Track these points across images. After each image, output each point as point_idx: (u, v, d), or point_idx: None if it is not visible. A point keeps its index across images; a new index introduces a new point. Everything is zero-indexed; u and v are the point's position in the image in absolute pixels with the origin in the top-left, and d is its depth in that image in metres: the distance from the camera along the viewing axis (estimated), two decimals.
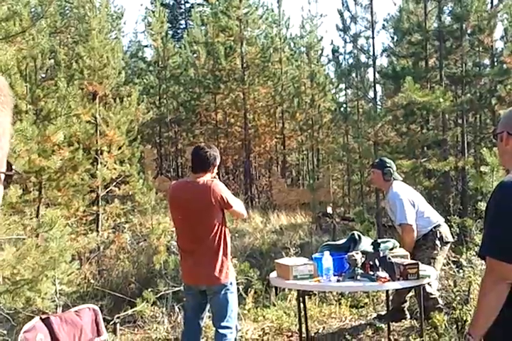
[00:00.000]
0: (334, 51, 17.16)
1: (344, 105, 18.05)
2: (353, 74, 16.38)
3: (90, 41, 13.11)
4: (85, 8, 15.82)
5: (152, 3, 27.96)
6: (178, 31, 32.37)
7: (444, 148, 11.42)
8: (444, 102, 10.67)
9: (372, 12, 14.67)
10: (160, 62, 23.20)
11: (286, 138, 22.13)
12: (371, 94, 14.86)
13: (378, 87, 18.07)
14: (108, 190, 10.55)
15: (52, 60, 12.67)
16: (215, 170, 4.59)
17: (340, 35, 16.06)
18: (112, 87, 12.79)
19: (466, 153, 11.50)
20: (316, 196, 12.89)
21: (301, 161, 24.92)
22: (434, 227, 5.64)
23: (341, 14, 15.33)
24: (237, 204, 4.48)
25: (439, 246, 5.59)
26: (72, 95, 10.42)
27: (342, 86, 20.87)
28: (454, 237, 6.16)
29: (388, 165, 5.73)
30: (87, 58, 12.70)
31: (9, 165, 1.10)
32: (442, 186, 11.64)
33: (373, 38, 15.08)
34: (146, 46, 28.29)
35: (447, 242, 5.70)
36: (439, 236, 5.61)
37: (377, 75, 14.87)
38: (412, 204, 5.59)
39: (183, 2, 33.29)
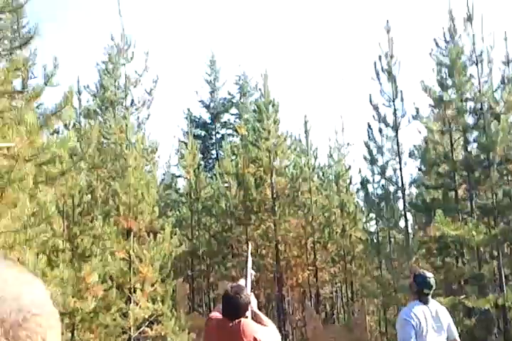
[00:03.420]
0: (363, 181, 17.45)
1: (375, 235, 17.99)
2: (383, 204, 16.50)
3: (126, 178, 13.49)
4: (122, 146, 16.48)
5: (185, 136, 29.06)
6: (210, 161, 33.29)
7: (482, 284, 11.17)
8: (477, 235, 10.59)
9: (398, 143, 15.03)
10: (192, 194, 23.61)
11: (318, 270, 21.80)
12: (402, 223, 14.87)
13: (409, 215, 18.08)
14: (140, 330, 10.40)
15: (89, 196, 13.06)
16: (248, 313, 4.53)
17: (368, 168, 16.45)
18: (146, 222, 13.00)
19: (504, 288, 11.18)
20: (352, 335, 12.49)
21: (334, 294, 24.38)
22: None
23: (368, 146, 15.74)
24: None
25: None
26: (107, 234, 10.58)
27: (372, 215, 20.94)
28: None
29: (417, 282, 5.49)
30: (123, 194, 13.00)
31: None
32: (483, 325, 11.24)
33: (401, 169, 15.35)
34: (179, 176, 28.94)
35: None
36: None
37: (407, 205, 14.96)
38: (411, 325, 5.29)
39: (214, 133, 34.54)
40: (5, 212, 8.45)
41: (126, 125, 16.30)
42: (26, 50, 8.41)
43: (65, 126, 13.79)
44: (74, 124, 14.23)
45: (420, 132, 15.80)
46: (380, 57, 13.37)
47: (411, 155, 16.14)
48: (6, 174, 8.40)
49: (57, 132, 13.44)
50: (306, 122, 21.72)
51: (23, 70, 8.61)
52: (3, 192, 8.46)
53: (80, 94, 15.04)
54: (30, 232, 9.87)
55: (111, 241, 10.79)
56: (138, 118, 17.28)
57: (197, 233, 22.92)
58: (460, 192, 13.90)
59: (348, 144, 23.12)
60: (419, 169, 16.36)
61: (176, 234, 16.62)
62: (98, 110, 16.69)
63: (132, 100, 16.52)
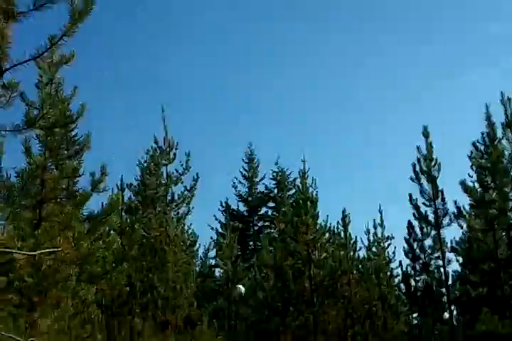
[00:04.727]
0: (404, 277, 17.13)
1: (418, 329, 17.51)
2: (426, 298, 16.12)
3: (165, 272, 13.54)
4: (162, 241, 16.58)
5: (222, 227, 29.26)
6: (247, 252, 33.16)
7: None
8: None
9: (440, 241, 14.81)
10: (230, 285, 23.44)
11: None
12: (446, 315, 14.44)
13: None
14: None
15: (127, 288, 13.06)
16: None
17: (409, 265, 16.11)
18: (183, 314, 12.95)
19: None
20: None
21: None
22: None
23: (409, 243, 15.57)
24: None
25: None
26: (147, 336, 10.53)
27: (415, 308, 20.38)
28: None
29: None
30: (161, 289, 13.05)
31: None
32: None
33: (444, 266, 15.04)
34: (217, 266, 28.78)
35: None
36: None
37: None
38: None
39: (251, 225, 34.63)
40: (49, 313, 8.52)
41: (166, 220, 16.52)
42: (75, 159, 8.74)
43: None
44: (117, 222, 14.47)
45: (462, 227, 15.73)
46: (418, 159, 13.48)
47: (453, 250, 15.90)
48: (51, 275, 8.53)
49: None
50: (344, 216, 21.62)
51: (71, 177, 8.90)
52: (48, 292, 8.57)
53: (122, 192, 15.41)
54: (72, 333, 9.90)
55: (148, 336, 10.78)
56: (178, 213, 17.49)
57: (233, 322, 22.61)
58: (506, 289, 13.59)
59: (387, 237, 22.75)
60: (463, 265, 16.04)
61: (212, 325, 16.45)
62: (139, 206, 16.95)
63: (172, 197, 16.88)
